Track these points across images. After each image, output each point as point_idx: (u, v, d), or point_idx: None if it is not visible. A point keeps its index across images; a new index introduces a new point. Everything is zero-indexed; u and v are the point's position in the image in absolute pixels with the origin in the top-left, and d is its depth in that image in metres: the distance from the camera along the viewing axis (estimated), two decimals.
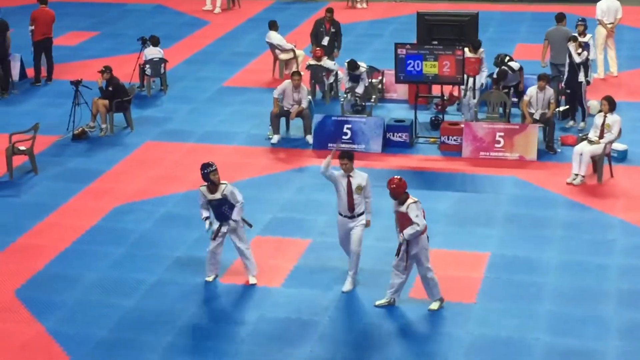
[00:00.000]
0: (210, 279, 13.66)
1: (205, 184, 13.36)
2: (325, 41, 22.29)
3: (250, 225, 13.66)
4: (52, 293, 13.46)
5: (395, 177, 12.56)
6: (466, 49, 19.31)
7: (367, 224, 13.37)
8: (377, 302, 12.93)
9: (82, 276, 13.91)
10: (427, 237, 12.62)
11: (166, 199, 16.53)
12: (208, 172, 13.23)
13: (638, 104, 20.66)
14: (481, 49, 19.72)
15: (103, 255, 14.53)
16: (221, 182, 13.33)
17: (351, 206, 13.14)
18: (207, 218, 13.45)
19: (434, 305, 12.78)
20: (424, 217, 12.52)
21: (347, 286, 13.31)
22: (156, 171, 17.83)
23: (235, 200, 13.30)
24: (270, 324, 12.59)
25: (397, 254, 12.59)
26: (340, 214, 13.28)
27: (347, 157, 13.13)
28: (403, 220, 12.47)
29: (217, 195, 13.27)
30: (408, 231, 12.34)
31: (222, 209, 13.34)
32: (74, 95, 19.67)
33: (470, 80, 19.78)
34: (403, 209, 12.41)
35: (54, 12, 23.28)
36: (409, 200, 12.38)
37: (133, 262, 14.31)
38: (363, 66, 20.20)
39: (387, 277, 13.61)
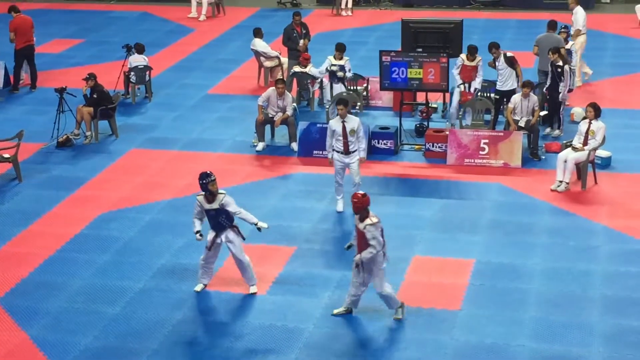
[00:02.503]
0: (198, 289, 13.58)
1: (203, 193, 13.21)
2: (302, 43, 22.44)
3: (243, 238, 13.51)
4: (36, 301, 13.41)
5: (360, 192, 12.41)
6: (463, 56, 19.51)
7: (361, 160, 15.79)
8: (335, 311, 12.86)
9: (67, 284, 13.87)
10: (384, 254, 12.39)
11: (151, 207, 16.51)
12: (206, 183, 13.05)
13: (621, 111, 20.76)
14: (479, 57, 19.76)
15: (88, 263, 14.49)
16: (219, 191, 13.20)
17: (346, 146, 15.54)
18: (198, 232, 13.26)
19: (398, 314, 12.66)
20: (383, 236, 12.31)
21: (340, 207, 15.97)
22: (141, 178, 17.80)
23: (233, 212, 13.13)
24: (255, 331, 12.58)
25: (356, 267, 12.49)
26: (337, 151, 15.66)
27: (342, 103, 15.50)
28: (360, 238, 12.33)
29: (215, 205, 13.12)
30: (365, 255, 12.23)
31: (219, 219, 13.20)
32: (58, 103, 19.63)
33: (466, 86, 19.86)
34: (361, 227, 12.25)
35: (32, 19, 23.25)
36: (367, 221, 12.20)
37: (118, 270, 14.27)
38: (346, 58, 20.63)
39: (370, 284, 13.63)
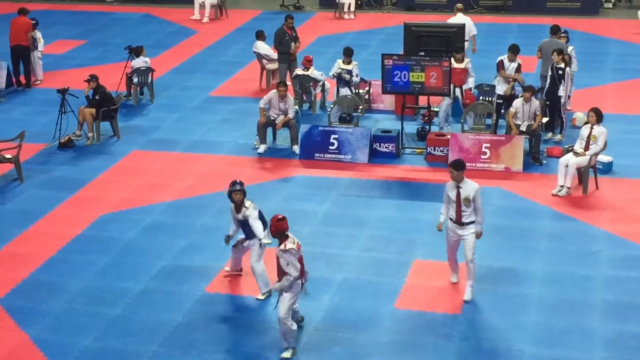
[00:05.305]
0: (225, 268, 13.98)
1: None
2: (294, 46, 22.42)
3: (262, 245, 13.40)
4: (37, 301, 13.41)
5: (279, 215, 11.96)
6: (452, 59, 19.43)
7: (477, 235, 13.18)
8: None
9: (68, 285, 13.87)
10: (302, 284, 11.99)
11: (152, 208, 16.51)
12: (230, 191, 13.14)
13: (623, 116, 20.76)
14: (467, 59, 19.76)
15: (88, 264, 14.50)
16: (245, 203, 13.15)
17: (459, 216, 13.09)
18: (227, 236, 13.45)
19: (285, 354, 11.96)
20: (303, 265, 11.93)
21: (468, 295, 13.28)
22: (142, 180, 17.81)
23: (250, 225, 13.16)
24: (255, 333, 12.57)
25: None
26: (451, 219, 13.23)
27: (452, 166, 13.13)
28: (277, 264, 11.91)
29: (240, 217, 13.24)
30: (283, 283, 11.79)
31: (246, 229, 13.36)
32: (60, 104, 19.64)
33: (457, 90, 19.86)
34: (277, 251, 11.87)
35: (31, 22, 23.35)
36: (281, 247, 11.79)
37: (118, 271, 14.28)
38: (354, 63, 20.58)
39: (371, 287, 13.65)
